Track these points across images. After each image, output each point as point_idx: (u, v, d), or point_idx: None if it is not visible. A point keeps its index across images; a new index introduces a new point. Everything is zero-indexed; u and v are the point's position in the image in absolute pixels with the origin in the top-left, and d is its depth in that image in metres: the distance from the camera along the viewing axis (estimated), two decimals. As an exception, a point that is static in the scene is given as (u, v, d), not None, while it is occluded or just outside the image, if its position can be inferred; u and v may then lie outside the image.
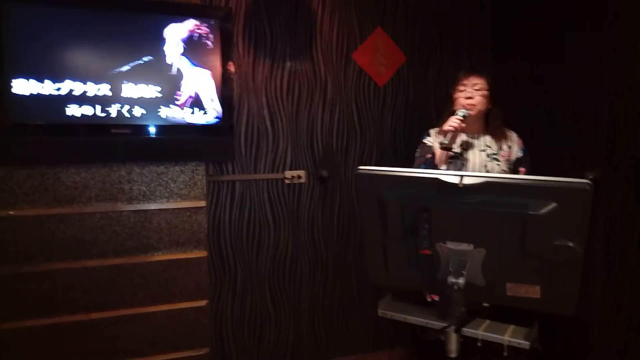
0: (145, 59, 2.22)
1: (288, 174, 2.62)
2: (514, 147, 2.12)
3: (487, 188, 1.09)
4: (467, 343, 1.28)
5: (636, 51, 2.12)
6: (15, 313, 2.08)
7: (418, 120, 2.84)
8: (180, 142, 2.30)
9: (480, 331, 1.20)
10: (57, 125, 2.11)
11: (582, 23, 2.40)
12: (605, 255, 2.24)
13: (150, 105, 2.23)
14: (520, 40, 2.81)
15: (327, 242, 2.74)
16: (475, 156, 2.10)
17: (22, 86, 2.03)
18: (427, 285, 1.27)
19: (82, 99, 2.12)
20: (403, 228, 1.20)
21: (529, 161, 2.13)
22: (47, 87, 2.06)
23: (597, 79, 2.31)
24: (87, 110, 2.14)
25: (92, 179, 2.21)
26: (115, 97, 2.17)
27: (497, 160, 2.08)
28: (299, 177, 2.64)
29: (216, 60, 2.31)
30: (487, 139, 2.13)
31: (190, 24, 2.25)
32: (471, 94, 2.06)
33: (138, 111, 2.21)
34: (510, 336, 1.21)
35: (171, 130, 2.27)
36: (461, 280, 1.14)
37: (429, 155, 2.10)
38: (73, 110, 2.12)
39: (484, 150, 2.10)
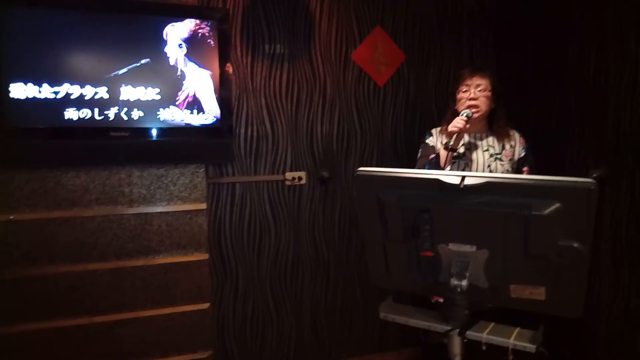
0: (144, 61, 2.21)
1: (288, 175, 2.61)
2: (517, 146, 2.09)
3: (488, 188, 1.07)
4: (470, 346, 1.26)
5: None
6: (18, 316, 2.08)
7: (419, 119, 2.82)
8: (179, 144, 2.29)
9: (485, 334, 1.18)
10: (56, 129, 2.10)
11: (585, 19, 2.37)
12: (612, 255, 2.21)
13: (149, 107, 2.22)
14: (522, 38, 2.79)
15: (328, 243, 2.72)
16: (478, 156, 2.08)
17: (20, 90, 2.02)
18: (429, 288, 1.26)
19: (80, 102, 2.11)
20: (404, 230, 1.18)
21: (532, 160, 2.10)
22: (45, 91, 2.06)
23: (601, 75, 2.29)
24: (86, 113, 2.13)
25: (92, 182, 2.21)
26: (114, 100, 2.16)
27: (501, 160, 2.06)
28: (300, 178, 2.62)
29: (215, 61, 2.30)
30: (490, 139, 2.10)
31: (191, 24, 2.24)
32: (475, 95, 2.02)
33: (136, 114, 2.20)
34: (515, 339, 1.18)
35: (170, 132, 2.27)
36: (464, 283, 1.12)
37: (432, 156, 2.08)
38: (71, 113, 2.11)
39: (487, 150, 2.08)
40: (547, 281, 1.12)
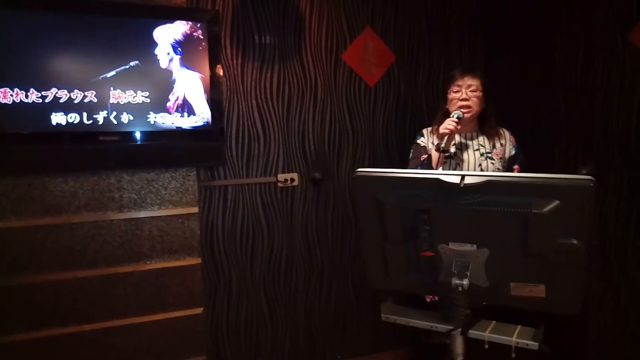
0: (132, 63, 2.18)
1: (281, 177, 2.59)
2: (507, 145, 2.11)
3: (488, 187, 1.08)
4: (470, 345, 1.26)
5: (627, 46, 2.13)
6: (4, 327, 2.03)
7: (410, 119, 2.83)
8: (170, 147, 2.26)
9: (487, 333, 1.18)
10: (43, 134, 2.06)
11: (572, 19, 2.40)
12: (601, 252, 2.24)
13: (139, 110, 2.19)
14: (510, 38, 2.81)
15: (321, 245, 2.71)
16: (469, 156, 2.09)
17: (5, 95, 1.97)
18: (428, 288, 1.25)
19: (68, 107, 2.07)
20: (403, 230, 1.18)
21: (522, 158, 2.12)
22: (32, 96, 2.01)
23: (588, 74, 2.32)
24: (74, 117, 2.09)
25: (81, 187, 2.17)
26: (102, 104, 2.13)
27: (492, 158, 2.07)
28: (292, 180, 2.61)
29: (205, 63, 2.28)
30: (481, 138, 2.12)
31: (182, 26, 2.22)
32: (466, 96, 2.03)
33: (126, 117, 2.17)
34: (517, 337, 1.19)
35: (161, 135, 2.24)
36: (465, 282, 1.12)
37: (424, 157, 2.08)
38: (59, 118, 2.07)
39: (477, 150, 2.09)
40: (547, 279, 1.12)
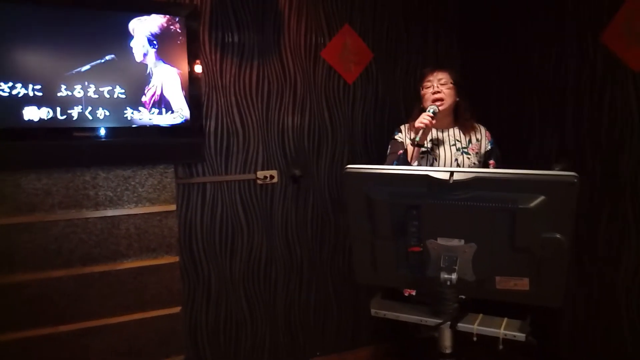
0: (108, 57, 2.13)
1: (260, 174, 2.58)
2: (483, 140, 2.16)
3: (477, 183, 1.10)
4: (458, 338, 1.29)
5: (598, 47, 2.20)
6: (-24, 329, 1.96)
7: (388, 116, 2.85)
8: (147, 144, 2.22)
9: (476, 326, 1.21)
10: (14, 130, 1.99)
11: (546, 19, 2.47)
12: (575, 247, 2.31)
13: (115, 106, 2.14)
14: (486, 35, 2.87)
15: (301, 242, 2.71)
16: (445, 150, 2.12)
17: (-26, 89, 1.90)
18: (416, 283, 1.27)
19: (40, 101, 2.01)
20: (392, 226, 1.19)
21: (498, 153, 2.17)
22: (1, 90, 1.94)
23: (560, 73, 2.39)
24: (46, 112, 2.03)
25: (55, 185, 2.11)
26: (77, 99, 2.07)
27: (467, 153, 2.11)
28: (272, 177, 2.60)
29: (183, 58, 2.24)
30: (457, 133, 2.16)
31: (160, 19, 2.17)
32: (437, 88, 2.09)
33: (102, 113, 2.12)
34: (505, 329, 1.22)
35: (137, 132, 2.19)
36: (454, 276, 1.14)
37: (401, 152, 2.11)
38: (31, 113, 2.00)
39: (454, 145, 2.13)
40: (531, 272, 1.16)
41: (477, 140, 2.14)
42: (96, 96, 2.10)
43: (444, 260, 1.17)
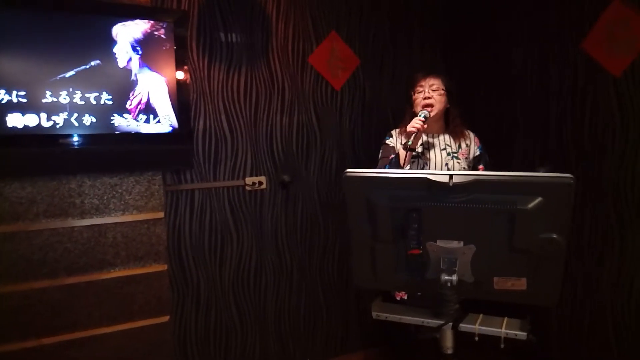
0: (93, 63, 2.09)
1: (249, 180, 2.56)
2: (472, 145, 2.19)
3: (476, 186, 1.12)
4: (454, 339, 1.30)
5: (579, 53, 2.27)
6: (-44, 344, 1.89)
7: (375, 122, 2.88)
8: (134, 151, 2.18)
9: (477, 326, 1.23)
10: (-3, 137, 1.93)
11: (528, 27, 2.53)
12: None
13: (101, 112, 2.10)
14: (470, 41, 2.93)
15: (291, 248, 2.70)
16: (436, 155, 2.15)
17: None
18: (416, 286, 1.28)
19: (25, 108, 1.96)
20: (393, 229, 1.20)
21: (486, 159, 2.21)
22: (-16, 96, 1.89)
23: (542, 78, 2.45)
24: (31, 119, 1.98)
25: (39, 193, 2.05)
26: (62, 105, 2.02)
27: (457, 158, 2.14)
28: (260, 183, 2.59)
29: (169, 65, 2.22)
30: (447, 138, 2.19)
31: (145, 24, 2.15)
32: (429, 94, 2.11)
33: (88, 119, 2.08)
34: (506, 328, 1.24)
35: (124, 138, 2.15)
36: (454, 278, 1.15)
37: (392, 156, 2.13)
38: (15, 120, 1.95)
39: (444, 149, 2.16)
40: (529, 272, 1.18)
41: (467, 145, 2.18)
42: (82, 102, 2.05)
43: (444, 262, 1.18)
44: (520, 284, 1.19)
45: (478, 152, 2.20)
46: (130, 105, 2.15)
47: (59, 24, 2.02)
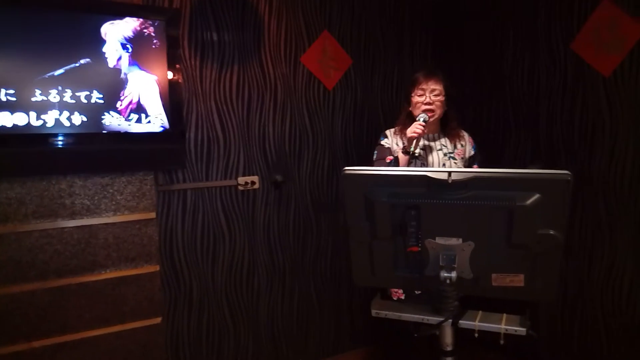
0: (83, 61, 2.06)
1: (241, 180, 2.55)
2: (467, 145, 2.20)
3: (475, 183, 1.12)
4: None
5: (568, 54, 2.30)
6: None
7: (366, 121, 2.89)
8: (126, 150, 2.16)
9: (477, 322, 1.24)
10: (-14, 137, 1.89)
11: (518, 28, 2.56)
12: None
13: (92, 111, 2.07)
14: (459, 44, 2.95)
15: (283, 248, 2.69)
16: (433, 156, 2.16)
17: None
18: (415, 283, 1.29)
19: (14, 107, 1.92)
20: (392, 227, 1.20)
21: (480, 158, 2.23)
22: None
23: (534, 80, 2.48)
24: (20, 118, 1.94)
25: (28, 194, 2.02)
26: (52, 104, 1.99)
27: (454, 158, 2.15)
28: (253, 183, 2.57)
29: (162, 64, 2.20)
30: (443, 139, 2.19)
31: (134, 23, 2.12)
32: (430, 100, 2.08)
33: (78, 118, 2.05)
34: (505, 324, 1.25)
35: (115, 138, 2.13)
36: (453, 274, 1.16)
37: (390, 158, 2.13)
38: (3, 119, 1.91)
39: (440, 150, 2.17)
40: (526, 268, 1.19)
41: (462, 146, 2.19)
42: (73, 101, 2.02)
43: (442, 259, 1.19)
44: (518, 280, 1.20)
45: (472, 152, 2.21)
46: (121, 104, 2.12)
47: (48, 21, 1.99)
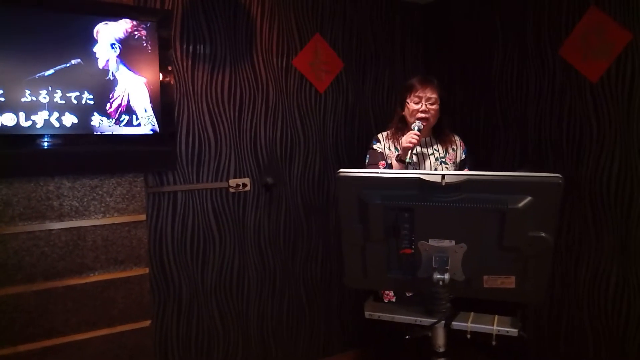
0: (73, 61, 2.04)
1: (232, 182, 2.54)
2: (458, 150, 2.22)
3: (468, 185, 1.14)
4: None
5: (557, 59, 2.34)
6: None
7: (358, 125, 2.90)
8: (115, 152, 2.14)
9: (469, 323, 1.25)
10: (-28, 136, 1.86)
11: (507, 33, 2.59)
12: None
13: (82, 112, 2.05)
14: (449, 48, 2.98)
15: (274, 250, 2.68)
16: (425, 160, 2.17)
17: None
18: (407, 285, 1.29)
19: (2, 107, 1.90)
20: (385, 229, 1.21)
21: (471, 161, 2.25)
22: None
23: (522, 81, 2.51)
24: (9, 119, 1.91)
25: (15, 195, 1.99)
26: (41, 104, 1.97)
27: (446, 163, 2.17)
28: (244, 185, 2.57)
29: (153, 65, 2.18)
30: (435, 144, 2.21)
31: (126, 24, 2.11)
32: (426, 108, 2.09)
33: (68, 119, 2.02)
34: (497, 325, 1.26)
35: (105, 139, 2.11)
36: (446, 276, 1.17)
37: (383, 164, 2.13)
38: (-9, 119, 1.89)
39: (432, 154, 2.18)
40: (517, 270, 1.20)
41: (453, 150, 2.21)
42: (63, 102, 2.00)
43: (435, 260, 1.20)
44: (510, 281, 1.21)
45: (464, 156, 2.23)
46: (111, 105, 2.11)
47: (38, 21, 1.97)
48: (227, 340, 2.58)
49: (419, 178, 1.16)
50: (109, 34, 2.09)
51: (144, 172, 2.25)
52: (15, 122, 1.92)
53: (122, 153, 2.15)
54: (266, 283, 2.67)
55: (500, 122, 2.65)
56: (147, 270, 2.23)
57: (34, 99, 1.95)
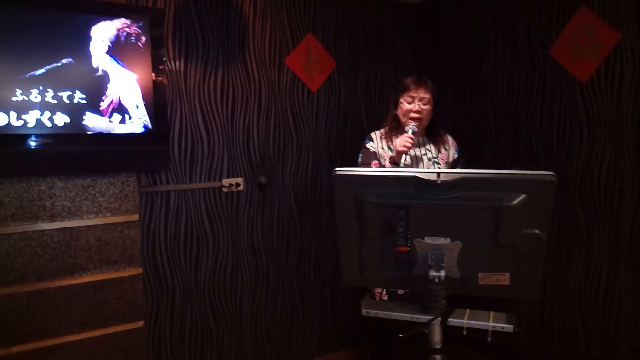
0: (65, 60, 2.03)
1: (225, 181, 2.54)
2: (450, 149, 2.23)
3: (463, 183, 1.15)
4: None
5: (547, 59, 2.37)
6: None
7: (350, 124, 2.91)
8: (108, 152, 2.13)
9: (465, 320, 1.26)
10: (-37, 136, 1.84)
11: (499, 33, 2.62)
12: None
13: (74, 111, 2.04)
14: (442, 46, 3.00)
15: (267, 249, 2.68)
16: (418, 162, 2.18)
17: None
18: (403, 283, 1.31)
19: (-8, 106, 1.88)
20: (381, 227, 1.22)
21: (463, 161, 2.26)
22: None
23: (513, 85, 2.54)
24: (0, 118, 1.90)
25: (7, 195, 1.97)
26: (33, 104, 1.95)
27: (438, 163, 2.18)
28: (237, 184, 2.57)
29: (145, 64, 2.18)
30: (427, 144, 2.22)
31: (119, 23, 2.10)
32: (419, 108, 2.09)
33: (60, 119, 2.01)
34: (493, 322, 1.28)
35: (98, 139, 2.10)
36: (442, 273, 1.18)
37: (376, 164, 2.14)
38: (-19, 118, 1.87)
39: (425, 154, 2.20)
40: (512, 267, 1.22)
41: (446, 150, 2.22)
42: (55, 101, 1.99)
43: (431, 258, 1.21)
44: (504, 279, 1.23)
45: (456, 155, 2.24)
46: (103, 104, 2.10)
47: (28, 20, 1.95)
48: (221, 339, 2.58)
49: (415, 176, 1.17)
50: (101, 32, 2.08)
51: (136, 171, 2.24)
52: (6, 121, 1.90)
53: (115, 152, 2.14)
54: (259, 282, 2.67)
55: (492, 121, 2.67)
56: (140, 271, 2.22)
57: (25, 98, 1.93)
